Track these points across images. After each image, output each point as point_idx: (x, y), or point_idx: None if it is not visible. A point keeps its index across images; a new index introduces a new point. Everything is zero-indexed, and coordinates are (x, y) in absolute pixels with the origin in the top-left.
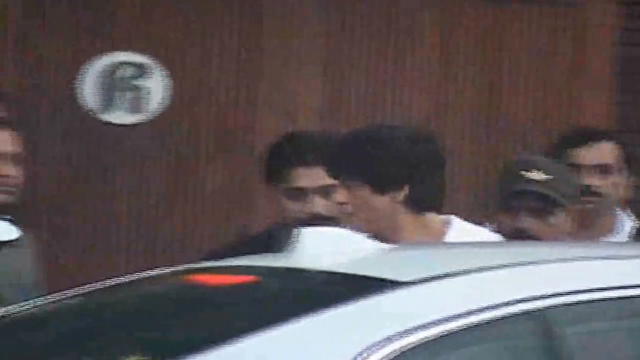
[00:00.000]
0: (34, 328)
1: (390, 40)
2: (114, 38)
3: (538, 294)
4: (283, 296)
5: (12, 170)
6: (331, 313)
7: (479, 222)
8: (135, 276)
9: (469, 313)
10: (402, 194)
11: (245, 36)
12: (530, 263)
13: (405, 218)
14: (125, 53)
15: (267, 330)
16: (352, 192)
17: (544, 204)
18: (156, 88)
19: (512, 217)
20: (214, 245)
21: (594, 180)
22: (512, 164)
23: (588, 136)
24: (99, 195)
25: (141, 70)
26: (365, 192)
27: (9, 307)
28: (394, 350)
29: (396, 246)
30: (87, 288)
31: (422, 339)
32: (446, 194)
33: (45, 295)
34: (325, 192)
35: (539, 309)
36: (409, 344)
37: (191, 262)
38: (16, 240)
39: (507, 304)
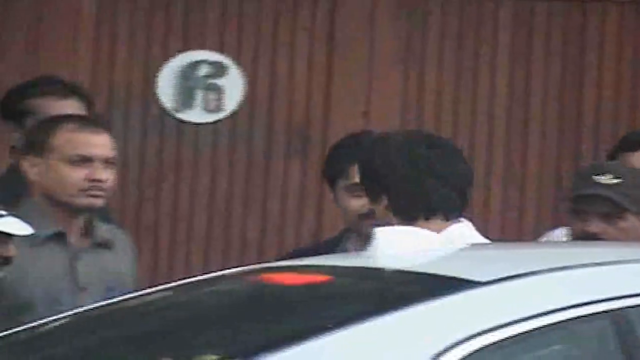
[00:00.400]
0: (114, 324)
1: (465, 35)
2: (189, 37)
3: (615, 294)
4: (358, 296)
5: (107, 174)
6: (407, 313)
7: (554, 226)
8: (211, 275)
9: (546, 313)
10: (383, 204)
11: (318, 34)
12: (607, 263)
13: (400, 226)
14: (202, 52)
15: (342, 330)
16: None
17: (612, 208)
18: (232, 87)
19: (582, 221)
20: (287, 244)
21: None
22: (585, 168)
23: None
24: (175, 194)
25: (218, 69)
26: (370, 203)
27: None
28: (471, 351)
29: (472, 246)
30: (165, 287)
31: (499, 339)
32: (445, 198)
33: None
34: None
35: (616, 310)
36: (485, 344)
37: (267, 262)
38: (109, 241)
39: (584, 304)
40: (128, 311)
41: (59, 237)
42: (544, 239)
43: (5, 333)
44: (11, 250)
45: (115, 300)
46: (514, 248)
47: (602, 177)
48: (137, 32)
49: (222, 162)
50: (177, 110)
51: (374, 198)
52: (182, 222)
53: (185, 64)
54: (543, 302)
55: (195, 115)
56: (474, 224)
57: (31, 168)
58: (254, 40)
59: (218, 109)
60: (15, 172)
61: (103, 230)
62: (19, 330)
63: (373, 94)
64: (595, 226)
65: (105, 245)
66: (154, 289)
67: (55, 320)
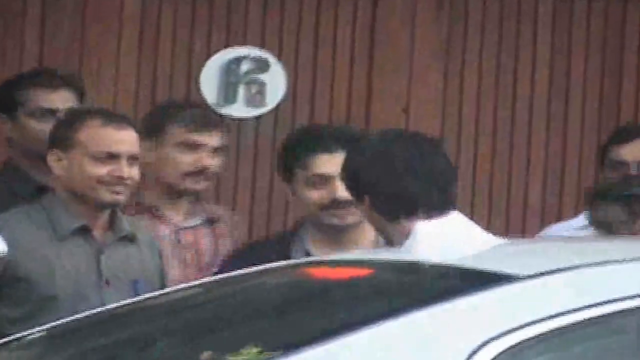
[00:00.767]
0: (156, 317)
1: (505, 31)
2: (231, 33)
3: None
4: (398, 290)
5: (131, 171)
6: (447, 307)
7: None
8: (252, 270)
9: (585, 307)
10: (366, 203)
11: (359, 29)
12: None
13: (387, 224)
14: (244, 48)
15: (382, 324)
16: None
17: None
18: (274, 82)
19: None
20: None
21: None
22: None
23: (634, 132)
24: (217, 188)
25: (260, 65)
26: (355, 203)
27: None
28: (511, 345)
29: (512, 240)
30: (206, 280)
31: (538, 333)
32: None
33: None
34: None
35: None
36: (525, 338)
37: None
38: (133, 235)
39: (624, 298)
40: (169, 305)
41: (84, 231)
42: (542, 233)
43: (46, 326)
44: None
45: (157, 294)
46: (553, 242)
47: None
48: (180, 28)
49: (264, 157)
50: (219, 106)
51: (357, 198)
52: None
53: (227, 59)
54: (583, 296)
55: (238, 110)
56: (514, 220)
57: (56, 163)
58: (295, 36)
59: (260, 104)
60: (12, 167)
61: (127, 223)
62: (61, 324)
63: (413, 89)
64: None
65: (129, 238)
66: (195, 283)
67: (98, 313)
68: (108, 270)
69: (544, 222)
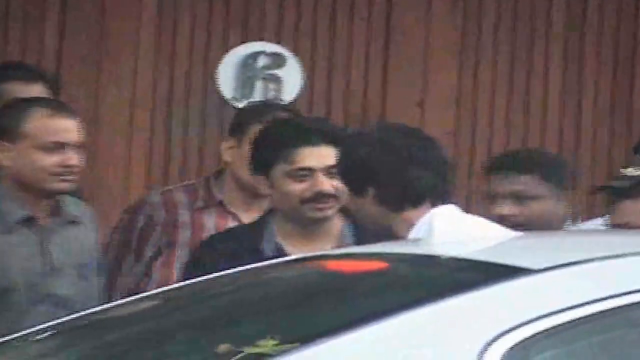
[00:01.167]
0: (174, 310)
1: (519, 27)
2: (248, 29)
3: None
4: (414, 283)
5: (79, 159)
6: (462, 300)
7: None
8: (271, 262)
9: (599, 300)
10: (371, 196)
11: (375, 24)
12: None
13: (390, 216)
14: (260, 43)
15: (398, 317)
16: (349, 198)
17: None
18: (290, 77)
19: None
20: None
21: None
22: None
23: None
24: None
25: (276, 60)
26: (351, 197)
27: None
28: (525, 337)
29: (525, 233)
30: (224, 273)
31: (552, 325)
32: (433, 184)
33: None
34: (330, 172)
35: None
36: (539, 330)
37: None
38: (77, 217)
39: (638, 290)
40: (186, 298)
41: (29, 221)
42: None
43: (63, 319)
44: None
45: (175, 286)
46: (567, 235)
47: (629, 169)
48: (197, 24)
49: None
50: (236, 101)
51: (358, 191)
52: None
53: (244, 55)
54: (597, 289)
55: None
56: None
57: (3, 154)
58: (311, 31)
59: (277, 99)
60: None
61: (70, 206)
62: (78, 317)
63: (428, 84)
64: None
65: (74, 221)
66: (214, 275)
67: (116, 306)
68: (56, 257)
69: None
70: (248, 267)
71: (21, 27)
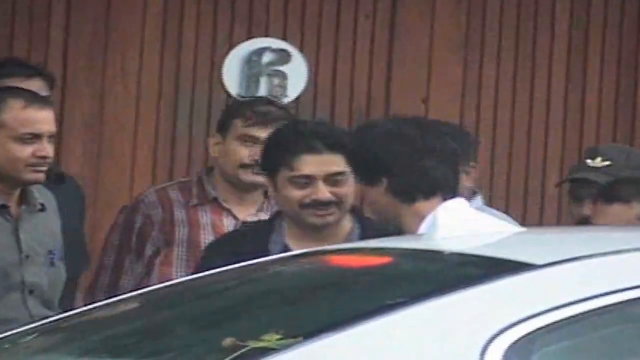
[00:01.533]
0: (180, 304)
1: (523, 24)
2: (253, 25)
3: None
4: (417, 277)
5: (51, 149)
6: (465, 295)
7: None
8: (276, 257)
9: (601, 295)
10: (384, 186)
11: (379, 21)
12: None
13: (401, 207)
14: (266, 39)
15: (401, 311)
16: (358, 186)
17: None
18: (295, 73)
19: (578, 206)
20: None
21: None
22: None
23: None
24: None
25: (281, 56)
26: (362, 186)
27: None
28: (528, 332)
29: (529, 229)
30: (231, 267)
31: (554, 321)
32: (445, 176)
33: None
34: (332, 179)
35: None
36: (541, 326)
37: None
38: (43, 205)
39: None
40: (191, 292)
41: (2, 209)
42: None
43: (68, 314)
44: None
45: (180, 280)
46: (570, 231)
47: (593, 161)
48: (202, 20)
49: None
50: (242, 97)
51: (370, 182)
52: None
53: (249, 51)
54: (600, 284)
55: None
56: (531, 209)
57: None
58: (316, 28)
59: (281, 95)
60: None
61: (37, 194)
62: (81, 311)
63: (433, 81)
64: (587, 209)
65: (41, 209)
66: (218, 270)
67: (122, 300)
68: (27, 245)
69: (561, 211)
70: (252, 262)
71: (27, 23)
